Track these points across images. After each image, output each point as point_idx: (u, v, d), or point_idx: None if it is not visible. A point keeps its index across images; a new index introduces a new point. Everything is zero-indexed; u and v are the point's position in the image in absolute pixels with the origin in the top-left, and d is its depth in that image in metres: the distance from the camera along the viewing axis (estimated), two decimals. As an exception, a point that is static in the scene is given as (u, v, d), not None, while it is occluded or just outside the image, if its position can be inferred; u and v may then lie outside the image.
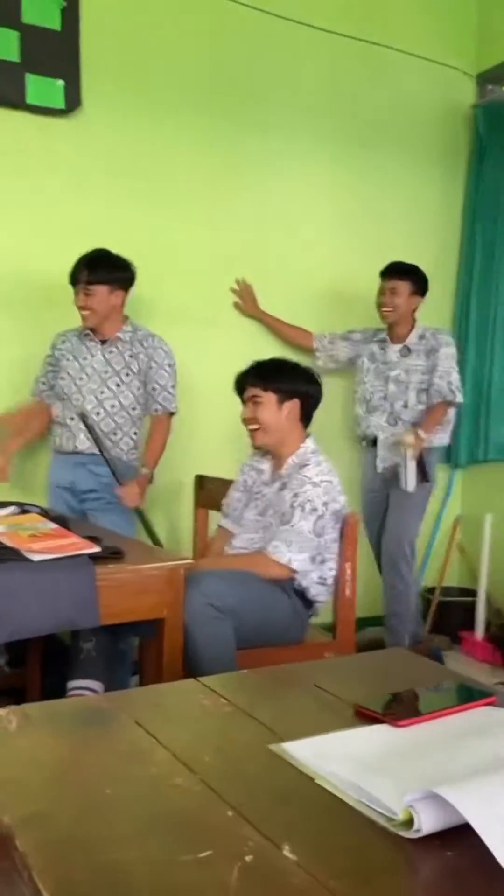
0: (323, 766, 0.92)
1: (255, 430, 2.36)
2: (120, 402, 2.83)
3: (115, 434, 2.84)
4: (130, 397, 2.85)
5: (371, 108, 3.75)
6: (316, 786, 0.89)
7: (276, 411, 2.33)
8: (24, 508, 2.28)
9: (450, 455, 3.97)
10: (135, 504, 2.77)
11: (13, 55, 2.98)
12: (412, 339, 3.39)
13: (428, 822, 0.79)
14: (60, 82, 3.05)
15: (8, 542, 1.91)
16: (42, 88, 3.03)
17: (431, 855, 0.77)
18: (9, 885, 0.88)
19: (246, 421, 2.38)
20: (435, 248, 4.00)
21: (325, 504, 2.23)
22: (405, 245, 3.87)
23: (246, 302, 3.45)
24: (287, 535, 2.20)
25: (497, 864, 0.71)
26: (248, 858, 0.75)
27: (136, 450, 2.94)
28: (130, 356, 2.84)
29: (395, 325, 3.41)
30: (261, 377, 2.35)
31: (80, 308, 2.80)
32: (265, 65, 3.49)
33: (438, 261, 3.99)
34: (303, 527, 2.20)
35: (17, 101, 2.99)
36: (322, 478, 2.26)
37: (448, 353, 3.34)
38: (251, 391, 2.35)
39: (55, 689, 2.50)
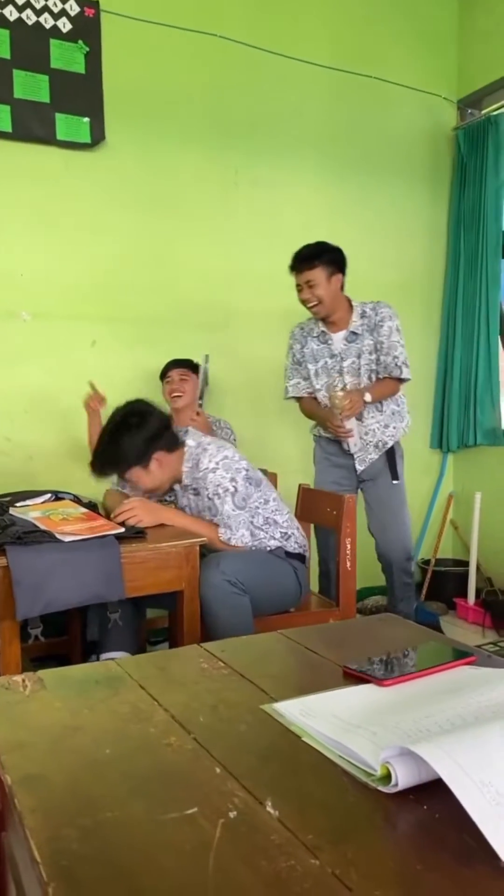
0: (308, 723, 0.86)
1: None
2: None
3: None
4: None
5: (364, 134, 3.67)
6: (302, 743, 0.82)
7: None
8: (58, 496, 2.24)
9: (441, 441, 3.92)
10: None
11: (44, 97, 2.94)
12: (355, 320, 2.74)
13: (404, 778, 0.73)
14: (86, 120, 3.01)
15: (42, 526, 1.88)
16: (70, 125, 2.99)
17: (407, 809, 0.71)
18: (16, 838, 0.83)
19: None
20: (424, 259, 3.93)
21: (231, 480, 2.12)
22: (396, 257, 3.79)
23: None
24: (222, 521, 2.12)
25: (468, 817, 0.64)
26: (231, 815, 0.69)
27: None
28: None
29: (330, 314, 2.74)
30: None
31: None
32: (267, 98, 3.41)
33: (427, 269, 3.95)
34: (227, 510, 2.11)
35: (48, 138, 2.95)
36: (213, 461, 2.12)
37: (391, 328, 2.70)
38: None
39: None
